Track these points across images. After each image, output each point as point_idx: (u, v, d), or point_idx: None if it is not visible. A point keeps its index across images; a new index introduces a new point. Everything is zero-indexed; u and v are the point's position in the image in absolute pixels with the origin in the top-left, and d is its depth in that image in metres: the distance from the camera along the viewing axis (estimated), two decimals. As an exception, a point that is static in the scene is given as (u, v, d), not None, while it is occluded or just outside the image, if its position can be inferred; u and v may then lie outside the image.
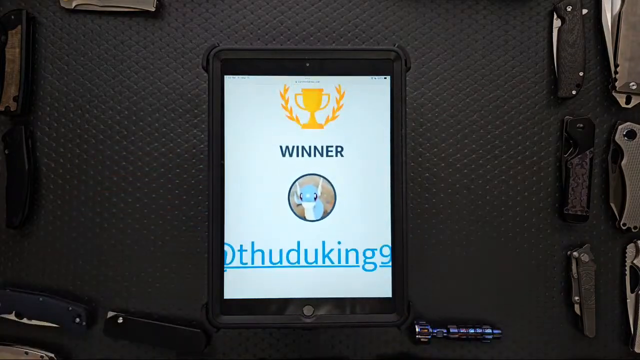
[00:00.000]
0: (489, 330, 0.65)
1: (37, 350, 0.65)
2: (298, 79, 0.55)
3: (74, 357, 0.66)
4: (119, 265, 0.66)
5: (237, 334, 0.66)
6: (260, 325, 0.56)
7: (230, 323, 0.54)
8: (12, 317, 0.64)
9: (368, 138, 0.51)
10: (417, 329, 0.64)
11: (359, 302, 0.54)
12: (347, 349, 0.66)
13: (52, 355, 0.65)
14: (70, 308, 0.64)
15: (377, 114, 0.55)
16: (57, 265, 0.66)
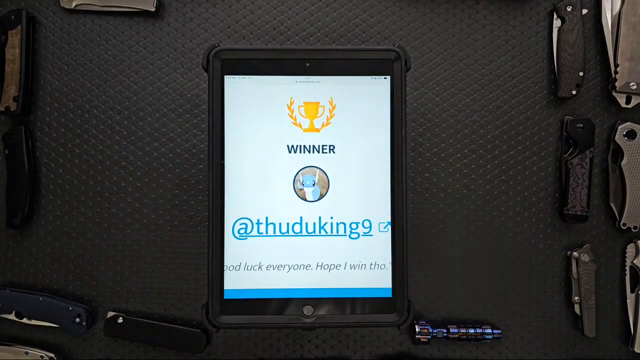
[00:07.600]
0: (489, 330, 0.65)
1: (37, 350, 0.65)
2: (298, 78, 0.56)
3: (74, 357, 0.66)
4: (119, 265, 0.66)
5: (237, 334, 0.66)
6: (260, 325, 0.56)
7: (230, 323, 0.55)
8: (12, 317, 0.64)
9: (363, 137, 0.57)
10: (417, 329, 0.64)
11: (359, 302, 0.55)
12: (347, 349, 0.66)
13: (52, 355, 0.65)
14: (70, 308, 0.64)
15: (377, 114, 0.56)
16: (57, 265, 0.66)
